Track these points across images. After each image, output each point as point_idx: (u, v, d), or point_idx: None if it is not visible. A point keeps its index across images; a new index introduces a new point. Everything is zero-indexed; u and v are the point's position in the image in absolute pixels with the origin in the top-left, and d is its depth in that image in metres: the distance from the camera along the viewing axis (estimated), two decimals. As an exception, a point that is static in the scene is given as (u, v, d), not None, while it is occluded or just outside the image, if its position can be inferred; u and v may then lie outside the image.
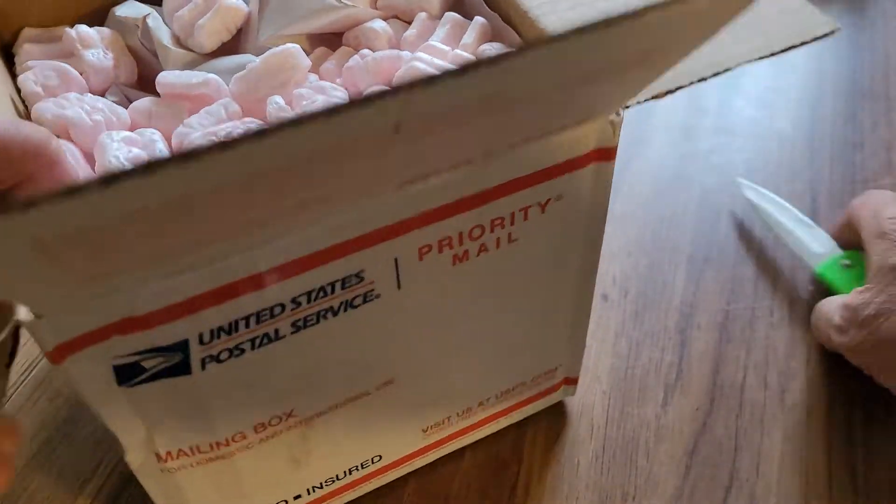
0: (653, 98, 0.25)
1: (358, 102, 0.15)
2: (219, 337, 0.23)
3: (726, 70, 0.26)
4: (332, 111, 0.15)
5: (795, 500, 0.35)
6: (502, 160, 0.24)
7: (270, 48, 0.29)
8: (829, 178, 0.49)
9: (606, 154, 0.26)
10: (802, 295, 0.42)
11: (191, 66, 0.31)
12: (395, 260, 0.25)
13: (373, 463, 0.33)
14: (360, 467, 0.32)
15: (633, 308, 0.42)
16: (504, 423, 0.36)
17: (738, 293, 0.42)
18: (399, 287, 0.26)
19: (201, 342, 0.23)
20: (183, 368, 0.23)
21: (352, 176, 0.19)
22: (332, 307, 0.25)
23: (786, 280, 0.43)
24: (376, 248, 0.24)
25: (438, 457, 0.35)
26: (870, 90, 0.55)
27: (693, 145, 0.51)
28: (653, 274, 0.44)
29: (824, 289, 0.41)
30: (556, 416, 0.37)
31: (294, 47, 0.29)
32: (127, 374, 0.23)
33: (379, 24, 0.31)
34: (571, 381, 0.37)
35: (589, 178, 0.27)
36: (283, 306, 0.24)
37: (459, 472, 0.36)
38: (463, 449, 0.36)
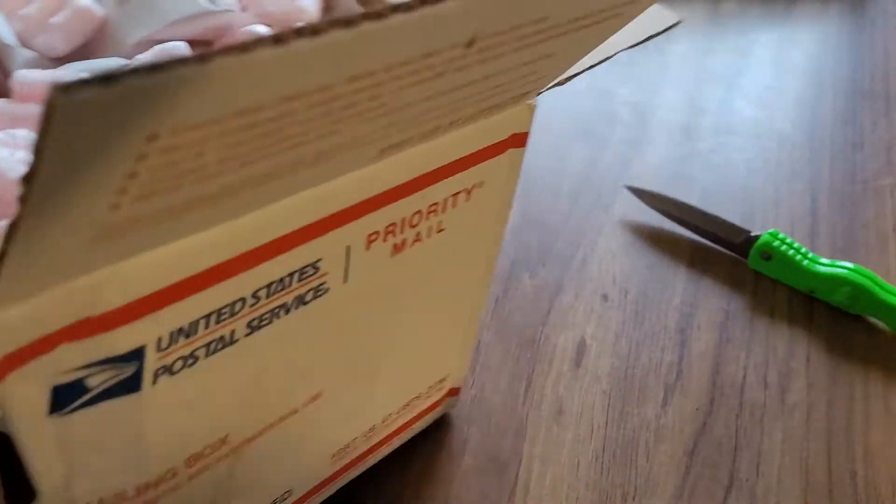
0: (554, 85, 0.26)
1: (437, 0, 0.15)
2: (177, 341, 0.21)
3: (609, 57, 0.27)
4: (412, 6, 0.14)
5: (795, 500, 0.35)
6: (450, 137, 0.25)
7: (139, 53, 0.27)
8: (829, 178, 0.49)
9: (521, 139, 0.27)
10: (802, 295, 0.42)
11: (41, 68, 0.28)
12: (348, 248, 0.24)
13: (283, 501, 0.31)
14: None
15: (633, 308, 0.42)
16: (395, 444, 0.35)
17: (738, 293, 0.43)
18: (346, 280, 0.25)
19: (159, 348, 0.21)
20: (133, 384, 0.20)
21: (370, 120, 0.19)
22: (285, 303, 0.23)
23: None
24: (336, 232, 0.23)
25: (338, 488, 0.34)
26: (870, 90, 0.55)
27: (693, 145, 0.51)
28: (653, 274, 0.44)
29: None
30: (555, 416, 0.38)
31: (182, 45, 0.27)
32: (65, 398, 0.19)
33: (263, 30, 0.29)
34: (455, 392, 0.36)
35: (506, 164, 0.27)
36: (243, 301, 0.22)
37: (459, 473, 0.36)
38: (463, 449, 0.36)
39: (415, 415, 0.35)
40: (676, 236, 0.45)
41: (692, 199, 0.48)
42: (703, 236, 0.45)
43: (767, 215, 0.46)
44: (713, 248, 0.45)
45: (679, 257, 0.44)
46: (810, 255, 0.42)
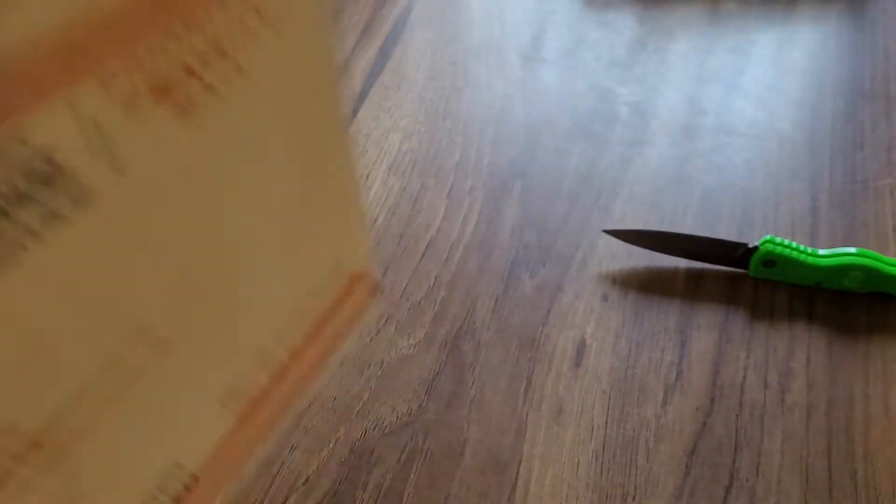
0: None
1: None
2: None
3: None
4: None
5: (795, 500, 0.35)
6: None
7: None
8: (829, 178, 0.49)
9: None
10: (802, 294, 0.42)
11: None
12: (95, 121, 0.16)
13: (186, 490, 0.23)
14: None
15: (633, 308, 0.42)
16: (321, 366, 0.28)
17: (738, 293, 0.43)
18: (118, 170, 0.17)
19: None
20: None
21: None
22: (30, 228, 0.16)
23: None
24: (52, 98, 0.15)
25: (266, 447, 0.27)
26: (870, 90, 0.55)
27: (693, 145, 0.51)
28: (653, 274, 0.44)
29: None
30: (555, 416, 0.38)
31: None
32: None
33: None
34: (367, 284, 0.29)
35: None
36: None
37: (459, 472, 0.36)
38: (463, 449, 0.36)
39: (322, 318, 0.27)
40: (670, 269, 0.45)
41: (692, 198, 0.48)
42: (697, 259, 0.44)
43: (767, 215, 0.46)
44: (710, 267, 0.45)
45: (677, 272, 0.44)
46: (809, 250, 0.42)
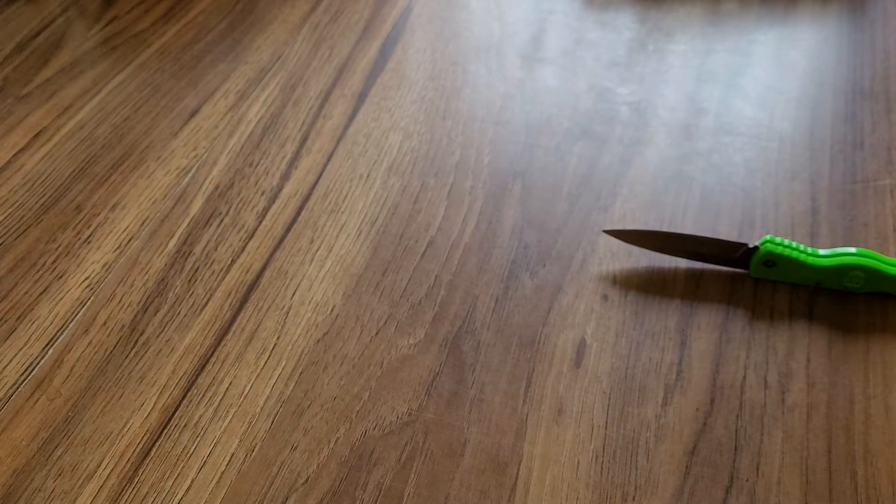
0: None
1: None
2: None
3: None
4: None
5: (795, 500, 0.35)
6: None
7: None
8: (829, 178, 0.49)
9: None
10: (802, 294, 0.42)
11: None
12: None
13: None
14: None
15: (633, 308, 0.42)
16: None
17: (738, 293, 0.43)
18: None
19: None
20: None
21: None
22: None
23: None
24: None
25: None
26: (870, 90, 0.55)
27: (693, 145, 0.51)
28: (653, 274, 0.44)
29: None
30: (555, 416, 0.38)
31: None
32: None
33: None
34: None
35: None
36: None
37: (459, 472, 0.36)
38: (463, 449, 0.36)
39: None
40: (670, 269, 0.45)
41: (692, 198, 0.48)
42: (697, 259, 0.44)
43: (767, 215, 0.46)
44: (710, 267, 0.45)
45: (677, 272, 0.44)
46: (809, 250, 0.42)
